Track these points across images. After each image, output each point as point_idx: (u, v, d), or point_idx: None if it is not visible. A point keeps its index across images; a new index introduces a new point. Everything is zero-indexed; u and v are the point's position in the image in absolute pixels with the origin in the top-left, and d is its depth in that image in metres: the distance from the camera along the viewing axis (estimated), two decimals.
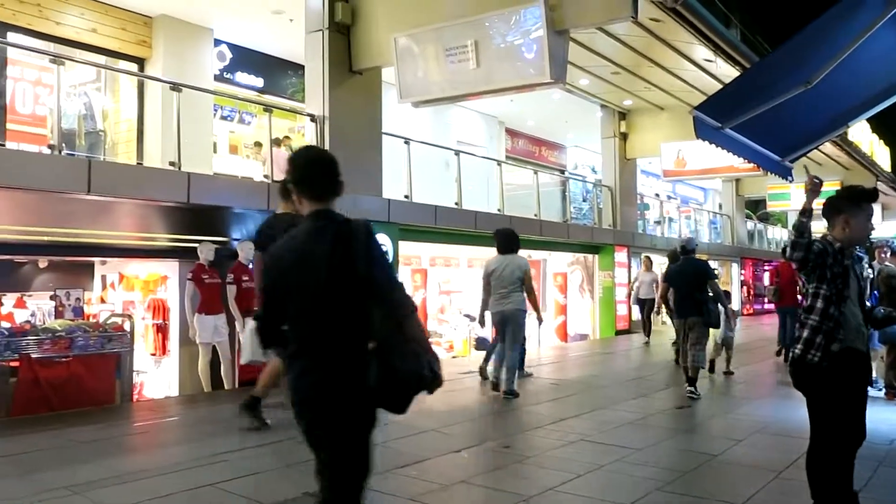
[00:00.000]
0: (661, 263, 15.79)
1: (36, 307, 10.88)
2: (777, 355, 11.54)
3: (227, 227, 10.18)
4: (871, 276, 8.15)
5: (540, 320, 9.12)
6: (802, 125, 8.88)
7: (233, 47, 13.28)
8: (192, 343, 8.99)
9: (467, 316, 13.96)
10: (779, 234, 30.86)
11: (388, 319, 2.64)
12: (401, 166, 11.68)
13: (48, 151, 8.29)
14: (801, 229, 3.57)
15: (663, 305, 10.09)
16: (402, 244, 11.08)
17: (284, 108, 13.05)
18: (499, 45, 8.75)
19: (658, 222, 21.61)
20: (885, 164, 24.98)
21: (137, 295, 11.14)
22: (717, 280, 8.69)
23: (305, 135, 10.65)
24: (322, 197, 2.83)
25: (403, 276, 12.07)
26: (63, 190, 7.63)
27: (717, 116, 7.60)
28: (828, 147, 19.03)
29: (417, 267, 13.88)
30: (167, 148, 9.72)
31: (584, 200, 19.43)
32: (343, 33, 10.33)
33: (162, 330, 10.76)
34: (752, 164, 10.98)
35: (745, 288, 25.38)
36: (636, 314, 16.37)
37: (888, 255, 8.60)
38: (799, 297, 8.45)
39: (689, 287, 8.24)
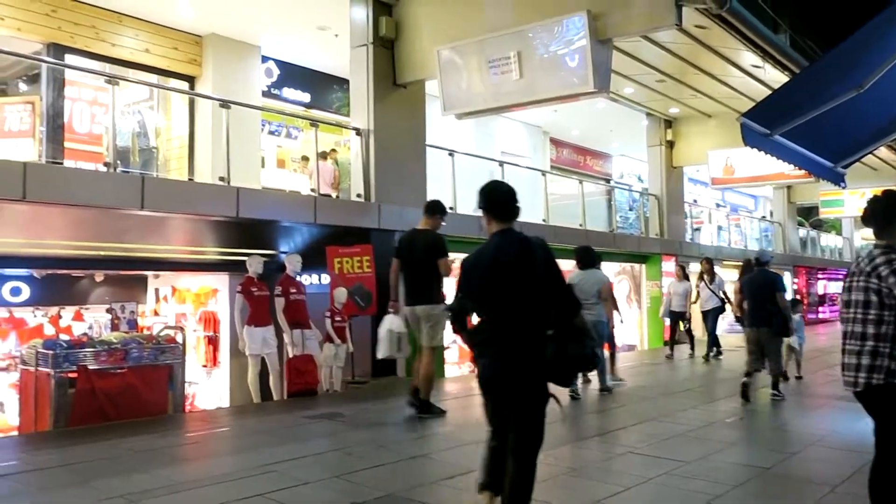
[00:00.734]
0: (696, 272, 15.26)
1: (93, 320, 11.23)
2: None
3: (275, 240, 10.37)
4: None
5: (612, 326, 9.54)
6: (855, 130, 8.66)
7: (280, 63, 13.55)
8: (241, 354, 9.15)
9: None
10: (833, 242, 30.07)
11: (562, 313, 3.41)
12: (445, 178, 11.74)
13: (104, 169, 8.56)
14: None
15: (738, 314, 10.12)
16: (448, 255, 11.10)
17: (330, 122, 13.25)
18: (542, 56, 8.76)
19: (696, 229, 21.24)
20: None
21: (189, 307, 11.42)
22: (784, 293, 8.71)
23: (351, 148, 10.79)
24: (505, 219, 3.61)
25: (450, 287, 12.08)
26: (118, 206, 7.85)
27: (765, 123, 7.46)
28: (883, 152, 18.50)
29: None
30: (217, 163, 9.95)
31: (631, 210, 19.24)
32: (387, 48, 10.47)
33: (213, 342, 11.00)
34: (803, 171, 10.74)
35: (798, 297, 24.75)
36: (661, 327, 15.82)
37: None
38: None
39: (761, 298, 8.39)
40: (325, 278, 10.12)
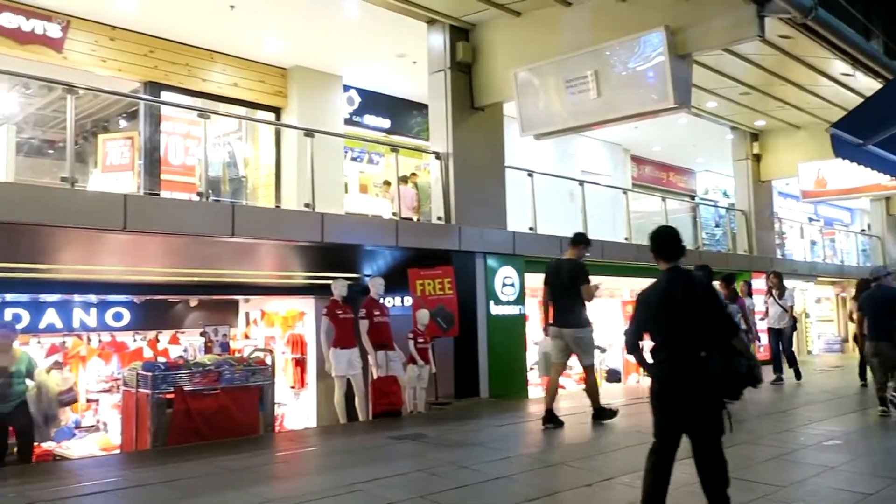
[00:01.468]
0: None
1: (188, 343, 11.69)
2: None
3: (359, 263, 10.58)
4: None
5: None
6: None
7: (361, 91, 13.91)
8: (328, 376, 9.34)
9: (598, 347, 13.69)
10: None
11: (722, 336, 4.10)
12: (525, 198, 11.75)
13: (196, 198, 8.96)
14: None
15: (858, 332, 9.95)
16: (529, 276, 11.09)
17: (410, 147, 13.47)
18: (619, 74, 8.71)
19: (778, 245, 20.39)
20: None
21: (277, 330, 11.74)
22: None
23: (431, 172, 10.95)
24: (671, 259, 4.24)
25: (530, 307, 12.03)
26: (210, 234, 8.18)
27: (857, 133, 7.21)
28: None
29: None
30: (302, 190, 10.25)
31: (717, 226, 18.71)
32: (464, 72, 10.61)
33: (300, 364, 11.26)
34: None
35: None
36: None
37: None
38: None
39: (880, 312, 8.38)
40: (408, 300, 10.25)
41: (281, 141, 12.79)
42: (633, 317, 4.40)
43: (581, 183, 13.55)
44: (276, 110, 12.97)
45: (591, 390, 8.01)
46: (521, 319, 10.93)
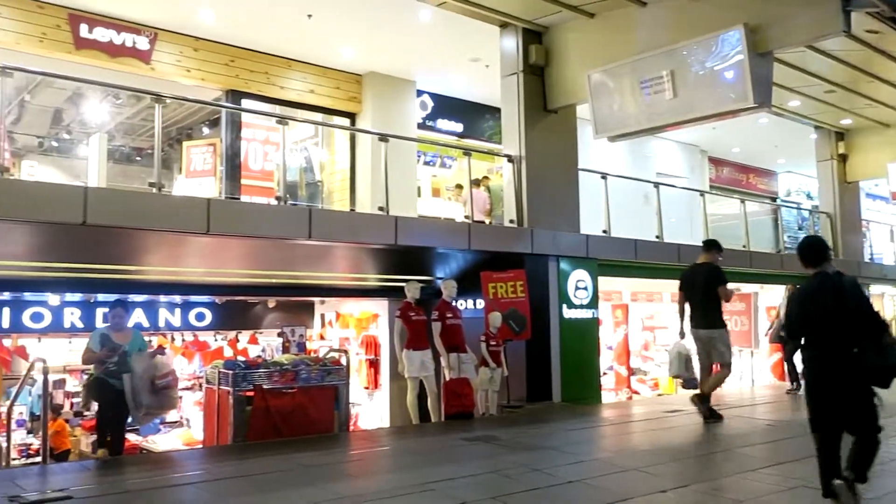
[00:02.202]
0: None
1: (266, 343, 12.04)
2: None
3: (432, 266, 10.67)
4: None
5: None
6: None
7: (434, 96, 14.05)
8: (401, 377, 9.45)
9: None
10: None
11: (871, 331, 4.50)
12: (598, 201, 11.63)
13: (275, 202, 9.22)
14: None
15: None
16: (602, 279, 10.96)
17: (482, 150, 13.52)
18: (696, 73, 8.54)
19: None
20: None
21: (352, 332, 11.96)
22: None
23: (503, 175, 10.96)
24: (818, 265, 4.74)
25: (603, 311, 11.89)
26: (288, 237, 8.38)
27: None
28: None
29: (618, 302, 13.61)
30: (376, 194, 10.43)
31: (800, 229, 18.09)
32: (537, 74, 10.58)
33: (374, 364, 11.44)
34: None
35: None
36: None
37: None
38: None
39: None
40: (480, 303, 10.29)
41: (356, 146, 13.05)
42: (787, 314, 5.01)
43: (656, 185, 13.30)
44: (352, 116, 13.22)
45: (713, 387, 8.20)
46: (595, 323, 10.81)
